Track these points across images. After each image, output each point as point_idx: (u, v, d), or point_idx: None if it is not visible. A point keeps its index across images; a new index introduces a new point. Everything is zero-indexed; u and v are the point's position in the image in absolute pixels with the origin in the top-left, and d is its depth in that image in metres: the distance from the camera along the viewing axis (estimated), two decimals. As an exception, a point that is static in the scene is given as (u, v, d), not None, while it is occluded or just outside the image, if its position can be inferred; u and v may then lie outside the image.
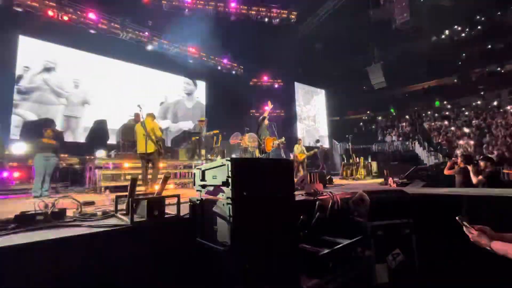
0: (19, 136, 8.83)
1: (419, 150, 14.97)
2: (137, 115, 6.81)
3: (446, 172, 5.58)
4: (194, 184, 2.28)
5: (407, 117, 20.25)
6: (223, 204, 1.80)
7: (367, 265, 2.64)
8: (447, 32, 19.03)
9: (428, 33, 18.28)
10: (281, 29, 15.05)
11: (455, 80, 20.17)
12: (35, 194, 5.41)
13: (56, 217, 2.20)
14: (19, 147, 7.61)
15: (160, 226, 2.12)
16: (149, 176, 5.43)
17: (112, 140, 9.60)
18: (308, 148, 11.26)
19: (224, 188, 1.80)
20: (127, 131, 6.77)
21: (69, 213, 2.39)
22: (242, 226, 1.74)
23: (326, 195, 3.54)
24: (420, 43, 18.42)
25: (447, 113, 18.56)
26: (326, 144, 18.74)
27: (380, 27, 15.57)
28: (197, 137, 7.96)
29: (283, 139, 7.01)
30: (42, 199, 2.40)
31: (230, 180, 1.74)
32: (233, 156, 10.35)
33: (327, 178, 5.90)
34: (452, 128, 16.02)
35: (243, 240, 1.74)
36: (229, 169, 1.74)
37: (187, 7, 12.98)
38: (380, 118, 22.32)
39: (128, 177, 5.79)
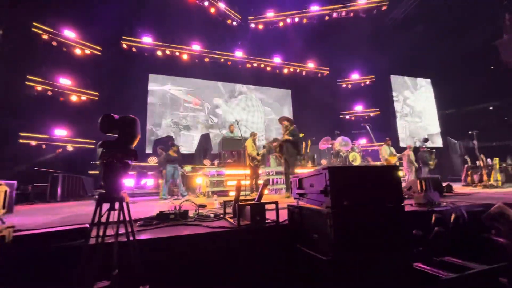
0: (151, 150, 11.38)
1: None
2: (230, 126, 8.08)
3: None
4: (291, 192, 2.36)
5: None
6: (323, 213, 1.78)
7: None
8: None
9: None
10: (369, 20, 13.71)
11: None
12: (163, 197, 6.83)
13: (182, 217, 2.74)
14: (151, 160, 9.82)
15: (262, 230, 2.30)
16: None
17: (214, 150, 11.07)
18: (415, 149, 9.69)
19: (323, 196, 1.79)
20: (226, 143, 7.66)
21: (190, 213, 2.92)
22: (344, 236, 1.68)
23: (445, 206, 2.96)
24: None
25: None
26: (439, 143, 15.65)
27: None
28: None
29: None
30: (172, 202, 3.01)
31: (328, 188, 1.71)
32: (323, 161, 10.03)
33: (444, 185, 4.89)
34: None
35: (346, 252, 1.67)
36: (327, 177, 1.72)
37: (271, 23, 13.68)
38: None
39: (228, 184, 6.71)
